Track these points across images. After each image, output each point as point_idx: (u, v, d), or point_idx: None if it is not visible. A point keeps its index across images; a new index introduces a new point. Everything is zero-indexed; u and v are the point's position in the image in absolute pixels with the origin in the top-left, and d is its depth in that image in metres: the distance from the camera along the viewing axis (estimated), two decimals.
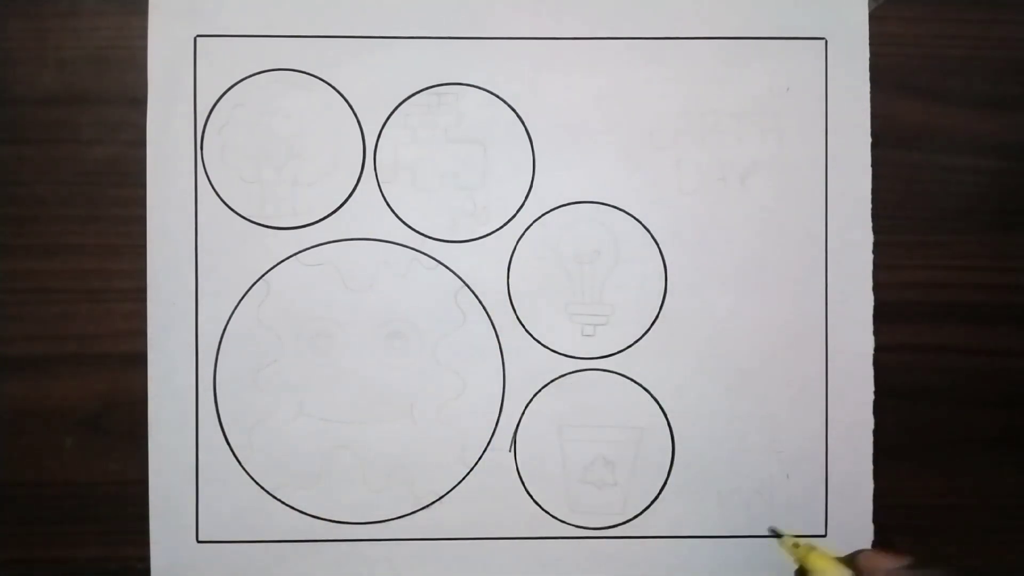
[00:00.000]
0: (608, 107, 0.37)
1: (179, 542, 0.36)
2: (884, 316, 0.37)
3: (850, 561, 0.32)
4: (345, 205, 0.37)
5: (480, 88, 0.37)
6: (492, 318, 0.37)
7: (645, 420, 0.37)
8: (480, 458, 0.37)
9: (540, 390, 0.37)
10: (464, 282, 0.37)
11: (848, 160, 0.37)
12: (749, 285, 0.37)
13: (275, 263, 0.37)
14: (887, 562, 0.31)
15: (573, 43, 0.37)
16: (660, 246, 0.37)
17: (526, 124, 0.37)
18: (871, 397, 0.37)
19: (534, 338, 0.37)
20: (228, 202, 0.37)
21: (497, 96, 0.37)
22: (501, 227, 0.37)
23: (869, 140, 0.37)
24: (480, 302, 0.37)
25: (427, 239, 0.37)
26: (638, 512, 0.37)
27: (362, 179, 0.37)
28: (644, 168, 0.37)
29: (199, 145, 0.36)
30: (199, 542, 0.36)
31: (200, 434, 0.36)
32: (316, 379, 0.37)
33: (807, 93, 0.37)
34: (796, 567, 0.33)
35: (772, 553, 0.37)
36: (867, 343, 0.37)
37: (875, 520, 0.37)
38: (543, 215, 0.37)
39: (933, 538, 0.37)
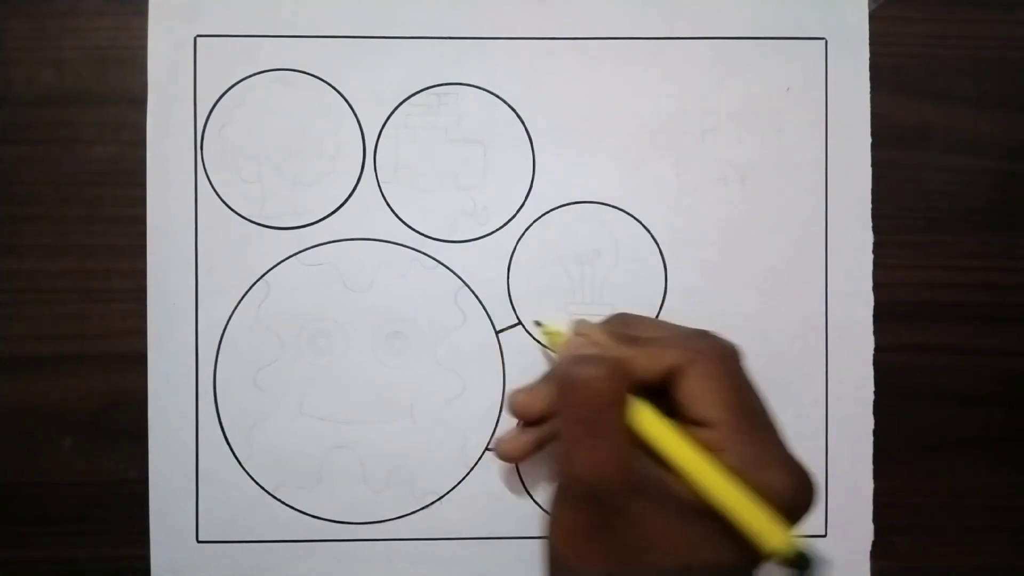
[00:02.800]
0: (608, 107, 0.37)
1: (179, 542, 0.36)
2: (884, 316, 0.37)
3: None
4: (345, 205, 0.37)
5: (480, 88, 0.37)
6: (492, 318, 0.37)
7: None
8: (480, 458, 0.37)
9: None
10: (464, 282, 0.37)
11: (848, 160, 0.37)
12: (749, 285, 0.37)
13: (275, 263, 0.37)
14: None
15: (573, 43, 0.37)
16: (660, 246, 0.37)
17: (526, 124, 0.37)
18: (871, 397, 0.37)
19: (534, 338, 0.37)
20: (228, 202, 0.37)
21: (497, 96, 0.37)
22: (501, 227, 0.37)
23: (869, 140, 0.37)
24: (480, 302, 0.37)
25: (427, 239, 0.37)
26: None
27: (362, 179, 0.37)
28: (644, 168, 0.37)
29: (199, 145, 0.36)
30: (199, 542, 0.36)
31: (200, 434, 0.36)
32: (316, 379, 0.37)
33: (807, 93, 0.37)
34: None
35: None
36: (867, 343, 0.37)
37: (875, 520, 0.37)
38: (543, 215, 0.37)
39: (933, 538, 0.37)
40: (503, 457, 0.34)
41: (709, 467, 0.27)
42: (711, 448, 0.28)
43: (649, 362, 0.29)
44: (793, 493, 0.27)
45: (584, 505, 0.28)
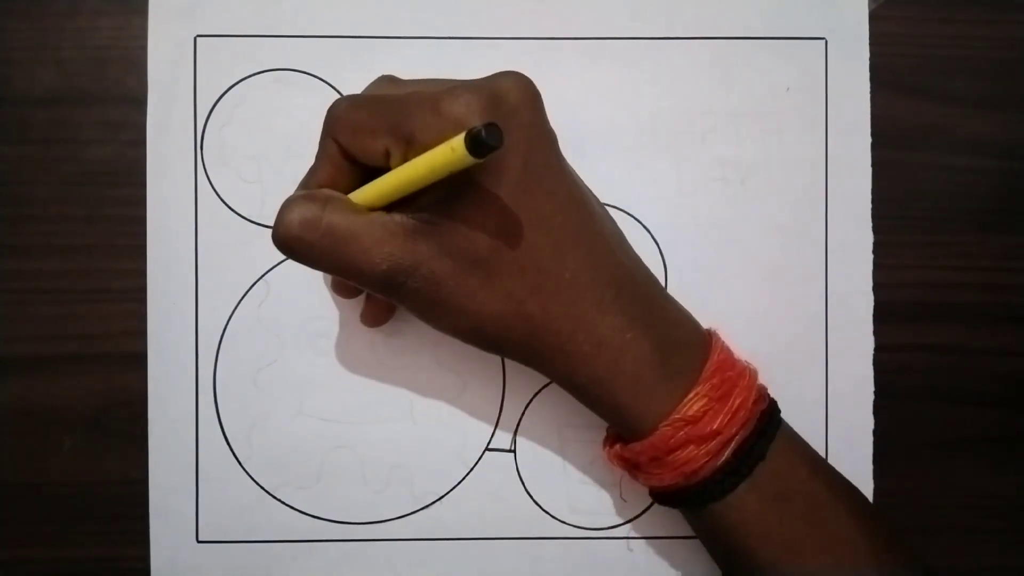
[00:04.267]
0: (608, 107, 0.37)
1: (179, 542, 0.36)
2: (884, 316, 0.37)
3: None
4: None
5: None
6: None
7: None
8: (480, 458, 0.37)
9: (540, 390, 0.37)
10: None
11: (848, 160, 0.37)
12: (749, 285, 0.37)
13: (275, 263, 0.37)
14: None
15: (573, 43, 0.37)
16: (660, 246, 0.37)
17: None
18: (871, 397, 0.37)
19: None
20: (228, 202, 0.37)
21: None
22: None
23: (869, 140, 0.37)
24: None
25: None
26: (638, 512, 0.37)
27: None
28: (644, 168, 0.37)
29: (199, 145, 0.36)
30: (199, 542, 0.36)
31: (200, 434, 0.36)
32: (316, 379, 0.37)
33: (807, 93, 0.37)
34: None
35: None
36: (867, 343, 0.37)
37: None
38: None
39: (933, 538, 0.37)
40: (370, 324, 0.35)
41: (398, 171, 0.27)
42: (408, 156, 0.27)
43: (321, 171, 0.29)
44: (477, 102, 0.27)
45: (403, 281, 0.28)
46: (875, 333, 0.37)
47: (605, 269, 0.30)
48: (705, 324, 0.32)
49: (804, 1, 0.37)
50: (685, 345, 0.31)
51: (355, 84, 0.37)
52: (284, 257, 0.36)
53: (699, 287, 0.37)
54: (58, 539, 0.37)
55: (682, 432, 0.29)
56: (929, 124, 0.38)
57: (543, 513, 0.37)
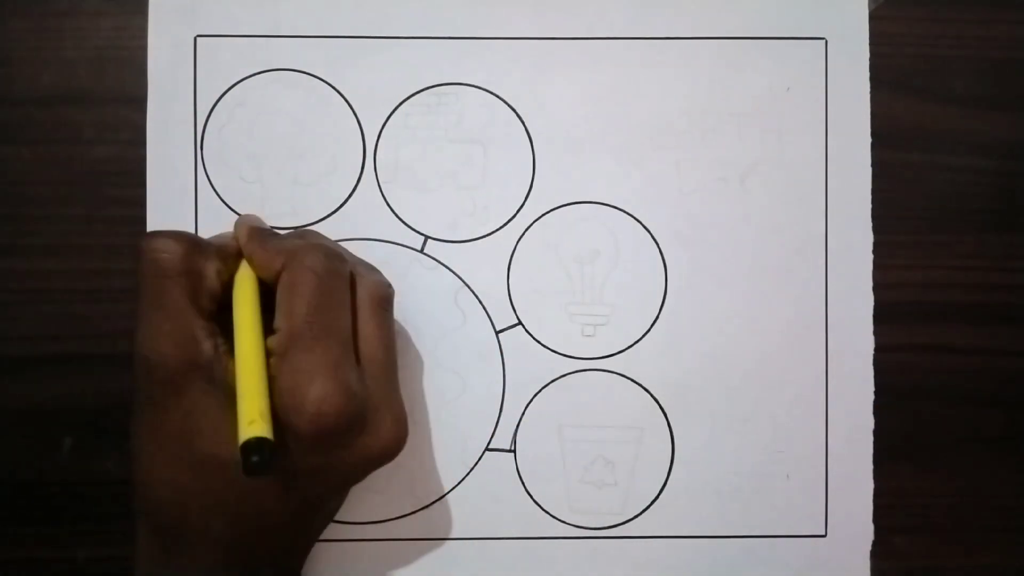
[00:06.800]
0: (608, 107, 0.37)
1: None
2: (884, 316, 0.37)
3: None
4: (345, 205, 0.37)
5: (480, 88, 0.37)
6: (492, 318, 0.37)
7: (645, 420, 0.37)
8: (480, 458, 0.37)
9: (540, 390, 0.37)
10: (464, 282, 0.37)
11: (848, 160, 0.37)
12: (749, 285, 0.37)
13: None
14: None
15: (573, 43, 0.37)
16: (660, 246, 0.37)
17: (526, 124, 0.37)
18: (871, 397, 0.37)
19: (534, 338, 0.37)
20: (228, 202, 0.36)
21: (497, 96, 0.37)
22: (501, 227, 0.37)
23: (869, 140, 0.37)
24: (480, 302, 0.37)
25: (427, 239, 0.37)
26: (638, 512, 0.37)
27: (362, 179, 0.37)
28: (644, 168, 0.37)
29: (199, 145, 0.36)
30: None
31: None
32: None
33: (807, 93, 0.37)
34: None
35: (772, 553, 0.37)
36: (867, 343, 0.37)
37: (875, 520, 0.37)
38: (543, 215, 0.37)
39: (933, 538, 0.37)
40: None
41: (246, 355, 0.27)
42: (272, 350, 0.28)
43: (263, 258, 0.30)
44: (322, 406, 0.27)
45: (143, 382, 0.29)
46: (875, 333, 0.37)
47: None
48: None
49: (804, 1, 0.37)
50: None
51: (355, 84, 0.37)
52: None
53: (699, 287, 0.37)
54: (58, 539, 0.37)
55: None
56: (929, 124, 0.38)
57: (543, 513, 0.37)
